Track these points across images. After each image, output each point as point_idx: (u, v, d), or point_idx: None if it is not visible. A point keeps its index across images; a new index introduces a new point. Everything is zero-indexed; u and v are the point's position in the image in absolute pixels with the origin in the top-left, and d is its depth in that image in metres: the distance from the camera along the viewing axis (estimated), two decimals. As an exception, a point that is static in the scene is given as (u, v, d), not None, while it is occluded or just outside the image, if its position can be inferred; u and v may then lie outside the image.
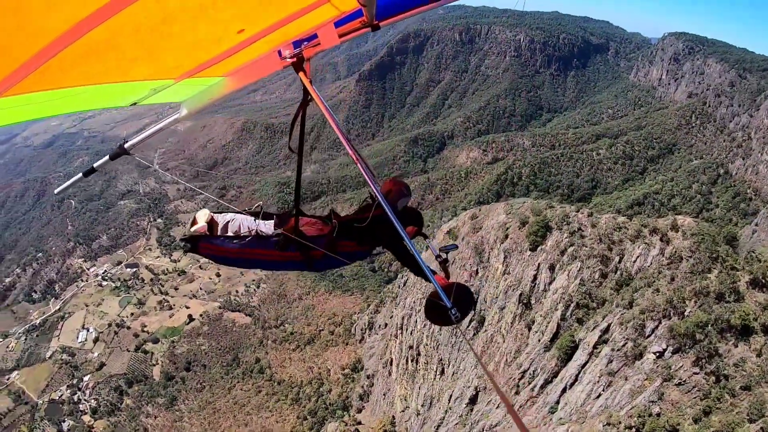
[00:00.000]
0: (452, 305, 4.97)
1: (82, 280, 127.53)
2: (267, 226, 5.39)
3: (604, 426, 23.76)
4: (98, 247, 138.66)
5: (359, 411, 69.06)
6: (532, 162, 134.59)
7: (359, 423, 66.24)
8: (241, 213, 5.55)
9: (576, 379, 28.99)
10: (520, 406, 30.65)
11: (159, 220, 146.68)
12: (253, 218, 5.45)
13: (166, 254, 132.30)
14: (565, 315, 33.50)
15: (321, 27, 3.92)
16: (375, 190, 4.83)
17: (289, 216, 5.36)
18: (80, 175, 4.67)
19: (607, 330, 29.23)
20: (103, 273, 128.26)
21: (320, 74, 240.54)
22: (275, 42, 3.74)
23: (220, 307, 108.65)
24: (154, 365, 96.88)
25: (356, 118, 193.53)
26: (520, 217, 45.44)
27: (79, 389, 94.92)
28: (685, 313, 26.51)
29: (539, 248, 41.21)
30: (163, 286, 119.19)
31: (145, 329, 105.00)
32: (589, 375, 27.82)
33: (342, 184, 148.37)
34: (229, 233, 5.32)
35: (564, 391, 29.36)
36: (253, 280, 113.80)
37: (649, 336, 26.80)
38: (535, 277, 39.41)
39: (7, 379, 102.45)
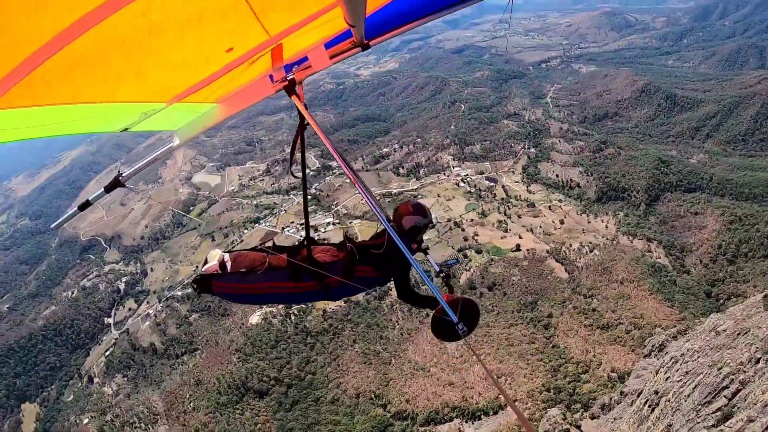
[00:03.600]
0: (459, 320, 5.36)
1: (444, 174, 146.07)
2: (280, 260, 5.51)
3: None
4: (469, 152, 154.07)
5: (592, 418, 66.00)
6: None
7: (578, 427, 64.51)
8: (252, 250, 5.70)
9: None
10: None
11: (532, 150, 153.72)
12: (265, 254, 5.55)
13: (525, 182, 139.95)
14: None
15: (311, 49, 4.17)
16: (375, 210, 5.08)
17: (301, 246, 5.52)
18: (76, 209, 4.84)
19: None
20: (464, 175, 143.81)
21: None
22: (266, 64, 3.89)
23: (547, 252, 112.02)
24: (467, 270, 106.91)
25: None
26: None
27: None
28: None
29: None
30: (509, 209, 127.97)
31: (476, 237, 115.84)
32: None
33: (723, 187, 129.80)
34: (242, 269, 5.43)
35: None
36: (590, 243, 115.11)
37: None
38: None
39: (350, 223, 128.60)
